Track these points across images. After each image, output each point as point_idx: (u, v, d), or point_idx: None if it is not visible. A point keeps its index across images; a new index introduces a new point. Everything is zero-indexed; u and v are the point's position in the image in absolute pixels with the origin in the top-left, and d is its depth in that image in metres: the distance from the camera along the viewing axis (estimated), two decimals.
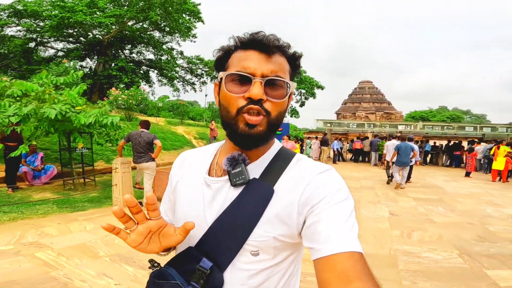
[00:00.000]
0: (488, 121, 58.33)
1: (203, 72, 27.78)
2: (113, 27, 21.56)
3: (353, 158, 17.05)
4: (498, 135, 16.04)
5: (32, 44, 23.47)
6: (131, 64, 24.64)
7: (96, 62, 24.22)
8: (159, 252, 0.64)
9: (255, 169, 0.66)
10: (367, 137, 17.74)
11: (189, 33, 24.87)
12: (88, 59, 25.85)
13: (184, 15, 23.42)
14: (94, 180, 6.88)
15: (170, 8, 21.02)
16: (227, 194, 0.64)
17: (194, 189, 0.69)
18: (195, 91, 29.08)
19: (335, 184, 0.60)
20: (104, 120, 5.18)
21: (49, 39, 23.15)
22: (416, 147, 8.50)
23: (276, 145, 0.71)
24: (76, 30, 21.30)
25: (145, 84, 25.95)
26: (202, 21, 23.42)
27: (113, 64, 24.09)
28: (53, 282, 2.55)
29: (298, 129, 34.72)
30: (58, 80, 6.09)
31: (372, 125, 19.10)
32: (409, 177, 8.97)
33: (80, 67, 23.39)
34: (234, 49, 0.65)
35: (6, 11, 19.88)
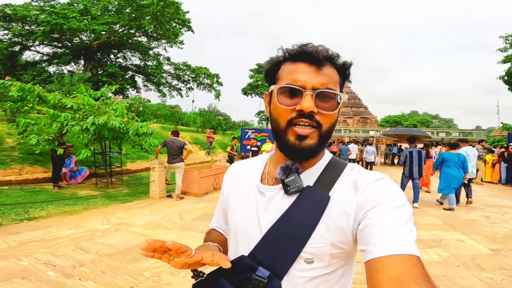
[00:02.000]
0: (455, 125, 63.79)
1: (190, 78, 28.84)
2: (103, 33, 22.13)
3: None
4: (452, 138, 18.72)
5: (16, 48, 23.38)
6: (118, 69, 25.17)
7: (83, 67, 24.52)
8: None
9: (308, 177, 0.67)
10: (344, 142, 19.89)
11: (176, 39, 25.84)
12: (72, 64, 26.03)
13: (173, 23, 24.35)
14: (121, 179, 8.02)
15: (161, 18, 21.98)
16: (281, 202, 0.64)
17: (247, 197, 0.71)
18: (182, 96, 30.05)
19: (391, 191, 0.58)
20: (145, 129, 6.45)
21: (34, 43, 23.24)
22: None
23: (327, 155, 0.72)
24: (67, 35, 21.62)
25: (133, 90, 26.54)
26: (192, 31, 24.53)
27: (100, 70, 24.54)
28: None
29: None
30: (96, 94, 7.23)
31: (348, 130, 21.53)
32: None
33: (68, 72, 23.62)
34: (283, 60, 0.67)
35: None
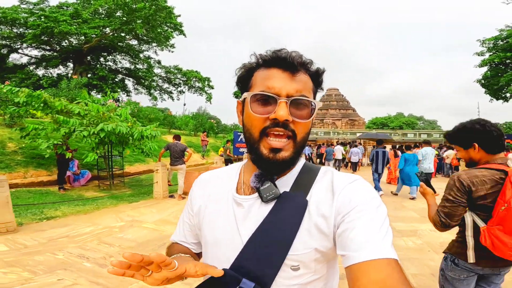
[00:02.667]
0: (439, 126, 66.30)
1: (181, 81, 29.16)
2: (93, 36, 22.21)
3: (320, 162, 19.88)
4: (435, 139, 19.91)
5: (4, 51, 23.11)
6: (108, 72, 25.20)
7: (73, 70, 24.44)
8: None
9: (284, 184, 0.66)
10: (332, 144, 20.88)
11: (167, 42, 26.13)
12: (60, 67, 25.84)
13: (165, 27, 24.63)
14: (123, 181, 8.40)
15: (153, 22, 22.28)
16: (259, 210, 0.64)
17: (224, 209, 0.68)
18: (173, 99, 30.33)
19: (366, 192, 0.60)
20: (149, 132, 6.91)
21: (21, 46, 23.04)
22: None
23: (301, 160, 0.71)
24: (56, 38, 21.56)
25: (123, 93, 26.62)
26: (184, 34, 24.92)
27: (89, 73, 24.51)
28: (168, 237, 4.35)
29: None
30: (99, 100, 7.62)
31: (336, 132, 22.57)
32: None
33: (57, 76, 23.51)
34: (256, 67, 0.65)
35: None
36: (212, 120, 22.62)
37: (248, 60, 0.68)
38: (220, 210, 0.69)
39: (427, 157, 7.99)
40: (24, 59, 24.51)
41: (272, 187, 0.63)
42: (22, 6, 21.57)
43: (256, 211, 0.64)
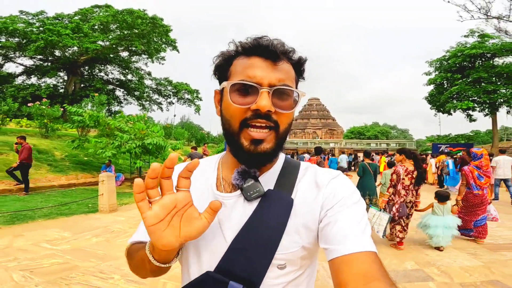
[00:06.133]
0: (410, 135, 72.48)
1: (171, 93, 31.34)
2: (92, 49, 24.01)
3: None
4: (391, 148, 24.13)
5: None
6: (101, 83, 26.94)
7: (67, 81, 25.96)
8: (170, 251, 0.55)
9: (267, 180, 0.66)
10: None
11: (158, 55, 28.32)
12: (47, 77, 27.01)
13: (159, 42, 26.85)
14: None
15: (149, 37, 24.60)
16: (243, 209, 0.63)
17: (204, 207, 0.60)
18: (162, 110, 32.39)
19: (347, 188, 0.63)
20: (179, 146, 9.45)
21: (15, 55, 24.32)
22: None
23: (282, 156, 0.72)
24: (55, 50, 23.09)
25: (117, 105, 28.43)
26: (177, 51, 27.31)
27: (82, 84, 26.19)
28: None
29: None
30: (133, 118, 10.04)
31: (313, 143, 26.33)
32: None
33: (52, 86, 24.99)
34: (235, 55, 0.64)
35: None
36: (203, 131, 25.08)
37: (223, 50, 0.66)
38: (202, 208, 0.59)
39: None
40: (19, 69, 25.63)
41: (255, 185, 0.62)
42: (21, 16, 22.94)
43: (239, 210, 0.63)
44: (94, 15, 25.10)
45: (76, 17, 24.94)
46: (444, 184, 12.09)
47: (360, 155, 24.10)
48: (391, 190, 4.33)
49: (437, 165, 13.13)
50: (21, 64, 25.32)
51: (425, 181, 13.76)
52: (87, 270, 3.24)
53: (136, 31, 23.41)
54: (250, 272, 0.58)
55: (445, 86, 21.20)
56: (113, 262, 3.45)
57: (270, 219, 0.60)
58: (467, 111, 20.08)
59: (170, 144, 9.41)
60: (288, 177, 0.67)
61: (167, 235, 0.51)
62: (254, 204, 0.62)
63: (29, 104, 11.35)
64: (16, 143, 8.15)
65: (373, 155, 11.69)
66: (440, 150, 18.50)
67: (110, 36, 24.03)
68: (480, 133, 40.96)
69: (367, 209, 4.46)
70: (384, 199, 4.41)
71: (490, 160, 8.64)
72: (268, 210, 0.61)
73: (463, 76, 19.80)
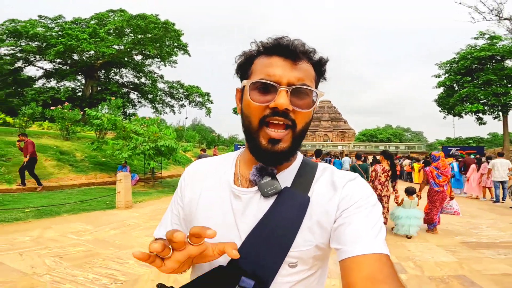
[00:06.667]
0: (425, 137, 71.15)
1: (182, 96, 32.30)
2: (108, 53, 25.16)
3: None
4: (401, 151, 24.07)
5: (19, 64, 25.56)
6: (117, 86, 28.09)
7: (84, 85, 27.22)
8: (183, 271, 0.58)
9: (284, 178, 0.67)
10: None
11: (170, 58, 29.27)
12: (66, 80, 28.34)
13: (171, 46, 27.81)
14: (161, 182, 11.47)
15: (161, 42, 25.58)
16: (258, 205, 0.64)
17: (220, 201, 0.68)
18: (174, 113, 33.42)
19: (365, 190, 0.63)
20: (189, 148, 10.06)
21: (35, 59, 25.66)
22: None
23: (299, 155, 0.73)
24: (71, 54, 24.27)
25: (132, 107, 29.57)
26: (189, 54, 28.21)
27: (98, 87, 27.39)
28: None
29: None
30: (147, 122, 10.73)
31: (321, 145, 26.62)
32: None
33: (70, 89, 26.26)
34: (256, 54, 0.66)
35: (7, 31, 22.14)
36: (214, 133, 25.78)
37: (244, 50, 0.68)
38: (216, 201, 0.67)
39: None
40: (39, 72, 27.02)
41: (273, 181, 0.64)
42: (41, 20, 24.24)
43: (255, 206, 0.64)
44: (109, 19, 26.28)
45: (92, 22, 26.20)
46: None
47: (370, 157, 24.33)
48: (370, 185, 5.09)
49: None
50: (41, 68, 26.70)
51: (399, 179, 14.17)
52: (107, 256, 3.81)
53: (149, 36, 24.44)
54: (262, 270, 0.58)
55: (456, 88, 21.12)
56: (129, 250, 4.02)
57: (285, 216, 0.61)
58: (477, 114, 19.97)
59: (181, 146, 10.06)
60: (305, 176, 0.68)
61: (180, 270, 0.55)
62: (270, 201, 0.64)
63: (51, 108, 12.23)
64: (19, 140, 8.46)
65: (365, 157, 11.91)
66: (451, 153, 18.48)
67: (125, 40, 25.13)
68: (498, 136, 39.99)
69: None
70: None
71: (488, 162, 8.87)
72: (284, 207, 0.62)
73: (473, 79, 19.77)
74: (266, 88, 0.61)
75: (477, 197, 9.75)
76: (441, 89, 22.28)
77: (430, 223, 5.28)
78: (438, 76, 22.06)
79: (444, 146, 20.15)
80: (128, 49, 26.17)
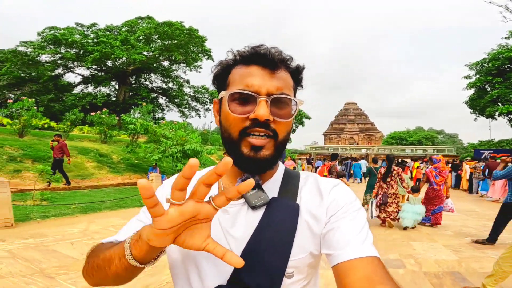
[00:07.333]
0: (460, 140, 67.55)
1: (207, 100, 33.50)
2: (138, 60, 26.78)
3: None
4: (430, 154, 23.29)
5: (59, 70, 27.70)
6: (147, 92, 29.81)
7: (118, 91, 29.23)
8: (156, 248, 0.51)
9: (270, 188, 0.67)
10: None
11: (195, 63, 30.51)
12: (101, 86, 30.46)
13: (196, 52, 29.14)
14: None
15: (187, 48, 26.97)
16: (246, 217, 0.63)
17: None
18: (200, 117, 34.72)
19: (349, 196, 0.65)
20: (213, 151, 10.84)
21: (74, 66, 27.78)
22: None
23: (281, 165, 0.74)
24: (106, 60, 26.19)
25: (160, 112, 31.31)
26: (212, 59, 29.41)
27: (130, 93, 29.26)
28: None
29: (289, 151, 40.81)
30: (175, 126, 11.65)
31: (344, 149, 26.44)
32: None
33: (105, 95, 28.33)
34: (233, 63, 0.65)
35: (48, 39, 24.15)
36: None
37: (221, 59, 0.67)
38: None
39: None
40: (77, 78, 29.31)
41: (260, 193, 0.64)
42: (78, 28, 26.23)
43: (243, 219, 0.63)
44: (138, 26, 28.00)
45: (123, 29, 28.05)
46: (478, 190, 12.05)
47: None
48: (378, 184, 6.05)
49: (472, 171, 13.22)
50: (79, 74, 28.94)
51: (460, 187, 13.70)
52: None
53: (175, 42, 25.85)
54: (265, 283, 0.57)
55: (487, 89, 20.34)
56: None
57: (279, 226, 0.61)
58: (508, 115, 19.09)
59: (206, 149, 10.87)
60: (290, 185, 0.68)
61: (166, 238, 0.47)
62: (259, 213, 0.63)
63: (91, 113, 13.59)
64: (53, 140, 9.31)
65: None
66: (483, 156, 17.82)
67: (153, 47, 26.77)
68: None
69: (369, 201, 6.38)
70: (375, 191, 6.16)
71: None
72: (276, 217, 0.61)
73: (504, 79, 18.99)
74: (245, 99, 0.60)
75: (499, 199, 9.61)
76: (471, 91, 21.57)
77: (425, 217, 6.03)
78: (469, 77, 21.51)
79: (476, 149, 19.39)
80: (156, 55, 27.76)
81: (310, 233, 0.63)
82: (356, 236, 0.57)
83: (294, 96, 0.67)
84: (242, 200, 0.65)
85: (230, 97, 0.61)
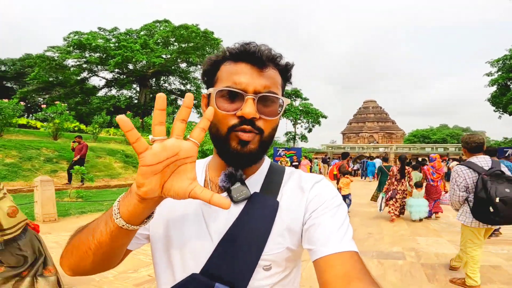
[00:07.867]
0: (488, 137, 64.67)
1: None
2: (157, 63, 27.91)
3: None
4: (451, 152, 22.90)
5: (84, 74, 29.26)
6: (166, 94, 30.88)
7: (139, 93, 30.58)
8: (144, 205, 0.51)
9: (253, 184, 0.69)
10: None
11: None
12: (124, 89, 31.96)
13: (211, 53, 30.05)
14: None
15: (203, 51, 27.88)
16: (228, 211, 0.63)
17: (190, 208, 0.68)
18: None
19: (330, 191, 0.68)
20: None
21: (98, 69, 29.27)
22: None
23: (267, 160, 0.76)
24: (127, 64, 27.47)
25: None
26: None
27: (151, 95, 30.51)
28: None
29: (305, 150, 40.95)
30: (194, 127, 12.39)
31: (361, 148, 26.33)
32: None
33: (128, 97, 29.74)
34: (222, 60, 0.66)
35: (73, 43, 25.54)
36: None
37: (210, 55, 0.70)
38: (187, 209, 0.67)
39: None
40: (102, 82, 30.84)
41: (242, 187, 0.66)
42: (100, 32, 27.57)
43: (225, 212, 0.64)
44: (156, 30, 29.16)
45: (142, 32, 29.27)
46: None
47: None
48: (389, 181, 6.76)
49: None
50: (103, 78, 30.48)
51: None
52: None
53: (192, 44, 26.77)
54: (236, 274, 0.60)
55: (510, 86, 19.81)
56: None
57: (256, 222, 0.63)
58: None
59: None
60: (273, 181, 0.71)
61: (154, 181, 0.48)
62: (240, 206, 0.65)
63: (116, 116, 14.60)
64: (74, 141, 9.75)
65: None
66: (507, 154, 17.44)
67: (171, 50, 27.83)
68: None
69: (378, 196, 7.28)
70: (386, 186, 6.88)
71: None
72: (254, 212, 0.64)
73: None
74: (233, 96, 0.62)
75: None
76: (494, 88, 21.06)
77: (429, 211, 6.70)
78: (491, 74, 21.06)
79: (500, 147, 18.89)
80: (174, 58, 28.84)
81: (287, 230, 0.65)
82: (336, 232, 0.60)
83: (283, 93, 0.70)
84: (225, 194, 0.67)
85: (218, 94, 0.63)
